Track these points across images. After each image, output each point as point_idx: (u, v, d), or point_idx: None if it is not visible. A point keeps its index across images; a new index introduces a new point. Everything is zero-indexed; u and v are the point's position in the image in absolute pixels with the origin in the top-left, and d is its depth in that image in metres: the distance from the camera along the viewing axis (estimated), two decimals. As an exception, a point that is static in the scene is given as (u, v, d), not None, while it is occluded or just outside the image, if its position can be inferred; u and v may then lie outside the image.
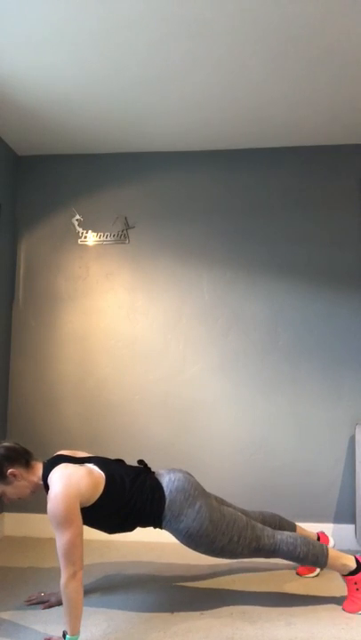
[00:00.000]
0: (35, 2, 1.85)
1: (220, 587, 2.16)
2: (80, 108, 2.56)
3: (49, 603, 1.95)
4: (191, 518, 1.83)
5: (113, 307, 2.93)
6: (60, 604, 1.95)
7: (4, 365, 2.88)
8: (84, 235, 2.98)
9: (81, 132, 2.79)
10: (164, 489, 1.88)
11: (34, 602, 1.97)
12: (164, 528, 1.89)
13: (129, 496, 1.83)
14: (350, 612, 1.91)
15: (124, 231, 2.96)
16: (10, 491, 1.82)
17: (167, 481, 1.90)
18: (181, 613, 1.91)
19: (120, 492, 1.83)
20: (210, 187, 2.95)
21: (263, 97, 2.45)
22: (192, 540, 1.84)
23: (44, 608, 1.93)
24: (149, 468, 1.99)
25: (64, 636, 1.62)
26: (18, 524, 2.79)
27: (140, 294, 2.92)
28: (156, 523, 1.88)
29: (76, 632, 1.62)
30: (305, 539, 1.95)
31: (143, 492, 1.85)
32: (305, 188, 2.90)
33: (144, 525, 1.90)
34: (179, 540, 1.89)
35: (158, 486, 1.89)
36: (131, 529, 1.92)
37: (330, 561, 1.93)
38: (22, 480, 1.82)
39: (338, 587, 2.13)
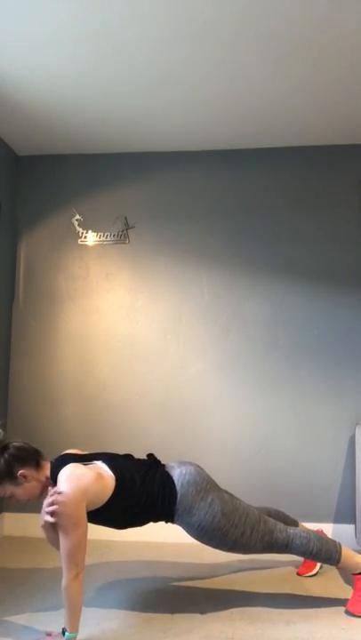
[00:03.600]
0: (35, 2, 1.85)
1: (220, 586, 2.16)
2: (80, 108, 2.55)
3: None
4: (203, 512, 1.81)
5: (113, 307, 2.93)
6: None
7: (4, 365, 2.88)
8: (84, 235, 2.98)
9: (81, 132, 2.79)
10: (175, 483, 1.86)
11: None
12: (176, 522, 1.88)
13: (140, 494, 1.81)
14: (354, 613, 1.86)
15: (124, 231, 2.96)
16: (19, 492, 1.78)
17: (178, 474, 1.89)
18: (181, 613, 1.91)
19: (130, 492, 1.81)
20: (210, 187, 2.95)
21: (263, 97, 2.45)
22: (205, 533, 1.82)
23: None
24: (159, 462, 1.98)
25: (63, 632, 1.64)
26: (18, 524, 2.79)
27: (140, 294, 2.92)
28: (168, 517, 1.87)
29: (75, 630, 1.64)
30: (318, 534, 1.94)
31: (154, 488, 1.83)
32: (305, 189, 2.90)
33: (156, 520, 1.90)
34: (191, 534, 1.87)
35: (169, 480, 1.87)
36: (142, 524, 1.91)
37: (343, 559, 1.90)
38: (32, 481, 1.78)
39: (338, 587, 2.13)
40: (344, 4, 1.86)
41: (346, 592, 2.06)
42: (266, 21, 1.95)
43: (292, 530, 1.92)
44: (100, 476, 1.77)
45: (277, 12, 1.90)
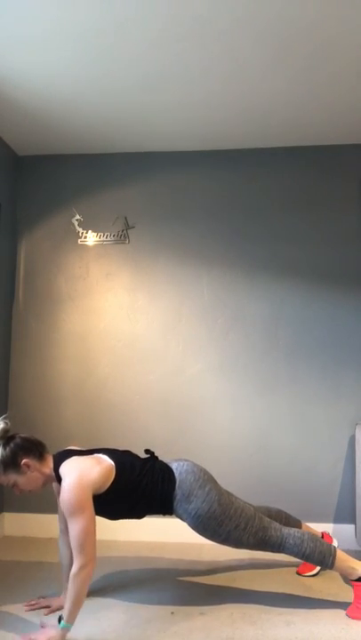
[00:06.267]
0: (34, 2, 1.85)
1: (220, 586, 2.16)
2: (80, 107, 2.55)
3: (51, 609, 1.93)
4: (201, 499, 1.86)
5: (113, 307, 2.93)
6: (61, 608, 1.93)
7: (4, 365, 2.88)
8: (84, 235, 2.98)
9: (81, 132, 2.79)
10: (174, 471, 1.93)
11: (34, 607, 1.94)
12: (175, 510, 1.91)
13: (140, 478, 1.88)
14: (354, 619, 1.86)
15: (124, 231, 2.96)
16: (22, 481, 1.83)
17: (176, 466, 1.96)
18: (181, 613, 1.91)
19: (131, 476, 1.87)
20: (210, 187, 2.95)
21: (263, 97, 2.45)
22: (200, 521, 1.86)
23: (47, 614, 1.90)
24: (157, 457, 2.04)
25: (59, 621, 1.65)
26: (18, 523, 2.79)
27: (140, 294, 2.92)
28: (167, 505, 1.90)
29: (72, 621, 1.65)
30: (313, 535, 1.94)
31: (154, 474, 1.91)
32: (305, 189, 2.90)
33: (155, 510, 1.93)
34: (187, 522, 1.91)
35: (168, 469, 1.94)
36: (141, 514, 1.95)
37: (337, 562, 1.90)
38: (35, 471, 1.84)
39: (338, 587, 2.13)
40: (343, 3, 1.86)
41: (346, 592, 2.06)
42: (265, 21, 1.95)
43: (286, 530, 1.93)
44: (100, 462, 1.84)
45: (276, 10, 1.90)
